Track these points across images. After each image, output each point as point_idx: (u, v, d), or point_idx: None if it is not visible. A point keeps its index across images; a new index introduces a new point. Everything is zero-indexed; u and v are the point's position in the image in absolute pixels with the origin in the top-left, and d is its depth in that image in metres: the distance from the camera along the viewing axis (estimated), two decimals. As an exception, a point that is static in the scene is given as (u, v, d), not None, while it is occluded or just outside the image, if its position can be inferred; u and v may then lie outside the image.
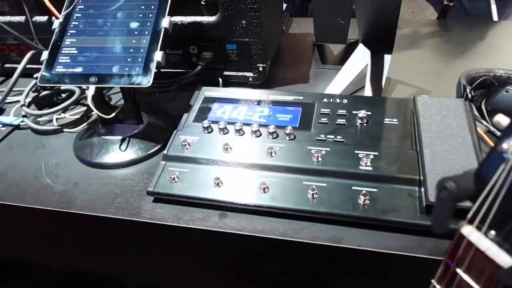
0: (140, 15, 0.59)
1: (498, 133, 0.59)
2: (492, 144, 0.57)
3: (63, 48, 0.59)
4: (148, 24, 0.59)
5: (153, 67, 0.55)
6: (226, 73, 0.76)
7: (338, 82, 0.71)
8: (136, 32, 0.58)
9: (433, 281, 0.31)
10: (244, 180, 0.52)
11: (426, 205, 0.44)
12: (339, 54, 0.88)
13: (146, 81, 0.55)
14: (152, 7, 0.60)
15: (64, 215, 0.53)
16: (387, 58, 0.70)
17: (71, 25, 0.60)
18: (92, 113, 0.72)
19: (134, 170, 0.59)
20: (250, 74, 0.75)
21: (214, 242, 0.50)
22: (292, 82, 0.78)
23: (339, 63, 0.83)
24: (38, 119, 0.72)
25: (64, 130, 0.69)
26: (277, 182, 0.51)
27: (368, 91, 0.68)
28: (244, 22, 0.69)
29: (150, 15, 0.59)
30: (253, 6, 0.67)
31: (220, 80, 0.75)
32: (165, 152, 0.56)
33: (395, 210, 0.46)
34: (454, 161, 0.48)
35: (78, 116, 0.71)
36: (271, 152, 0.53)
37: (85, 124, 0.69)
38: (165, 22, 0.58)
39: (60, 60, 0.58)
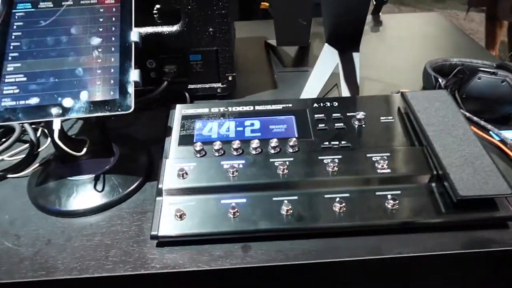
0: (101, 29, 0.50)
1: (475, 118, 0.62)
2: (476, 130, 0.60)
3: (6, 77, 0.47)
4: (113, 39, 0.50)
5: (131, 89, 0.47)
6: (190, 86, 0.69)
7: (313, 85, 0.69)
8: (100, 50, 0.49)
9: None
10: (262, 204, 0.46)
11: (458, 200, 0.44)
12: (296, 55, 0.86)
13: (127, 107, 0.46)
14: (114, 19, 0.51)
15: (45, 285, 0.42)
16: (356, 55, 0.70)
17: (11, 47, 0.48)
18: (39, 150, 0.60)
19: (119, 212, 0.50)
20: (218, 85, 0.69)
21: (244, 280, 0.44)
22: (261, 89, 0.74)
23: (301, 65, 0.82)
24: (-33, 167, 0.57)
25: (8, 176, 0.55)
26: (298, 201, 0.46)
27: (345, 91, 0.67)
28: (211, 29, 0.63)
29: (113, 29, 0.50)
30: (221, 12, 0.61)
31: (187, 95, 0.68)
32: (160, 185, 0.47)
33: (424, 209, 0.46)
34: (464, 151, 0.49)
35: (23, 156, 0.58)
36: (283, 169, 0.48)
37: (37, 165, 0.56)
38: (134, 36, 0.50)
39: (5, 92, 0.46)
